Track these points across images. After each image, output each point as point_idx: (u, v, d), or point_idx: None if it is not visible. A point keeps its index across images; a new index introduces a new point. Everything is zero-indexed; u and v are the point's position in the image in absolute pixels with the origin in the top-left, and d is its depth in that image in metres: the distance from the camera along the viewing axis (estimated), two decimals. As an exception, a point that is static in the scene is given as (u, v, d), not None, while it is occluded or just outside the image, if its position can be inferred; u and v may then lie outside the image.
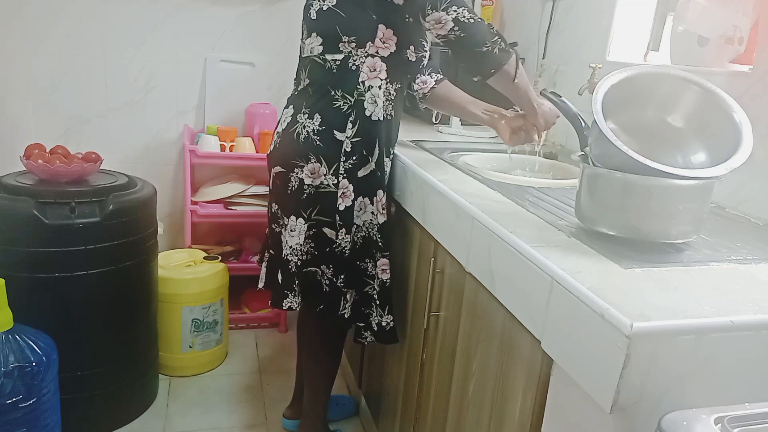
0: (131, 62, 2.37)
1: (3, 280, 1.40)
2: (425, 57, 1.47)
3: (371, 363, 1.84)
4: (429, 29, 1.33)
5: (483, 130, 1.97)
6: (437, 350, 1.29)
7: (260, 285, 1.64)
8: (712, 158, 0.92)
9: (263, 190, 2.39)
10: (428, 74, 1.64)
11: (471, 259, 1.08)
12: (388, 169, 1.50)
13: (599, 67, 1.52)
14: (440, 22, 1.29)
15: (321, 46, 1.40)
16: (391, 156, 1.52)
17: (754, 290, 0.80)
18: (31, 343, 1.46)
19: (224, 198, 2.35)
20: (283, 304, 1.51)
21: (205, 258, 2.21)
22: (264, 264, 1.64)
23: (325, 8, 1.38)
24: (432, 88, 1.63)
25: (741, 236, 1.05)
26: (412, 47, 1.42)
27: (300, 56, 1.50)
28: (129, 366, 1.85)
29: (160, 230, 1.99)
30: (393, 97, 1.45)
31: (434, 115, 2.00)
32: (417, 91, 1.63)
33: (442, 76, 1.65)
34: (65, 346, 1.58)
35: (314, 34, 1.41)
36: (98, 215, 1.67)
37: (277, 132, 1.51)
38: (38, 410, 1.46)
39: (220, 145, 2.33)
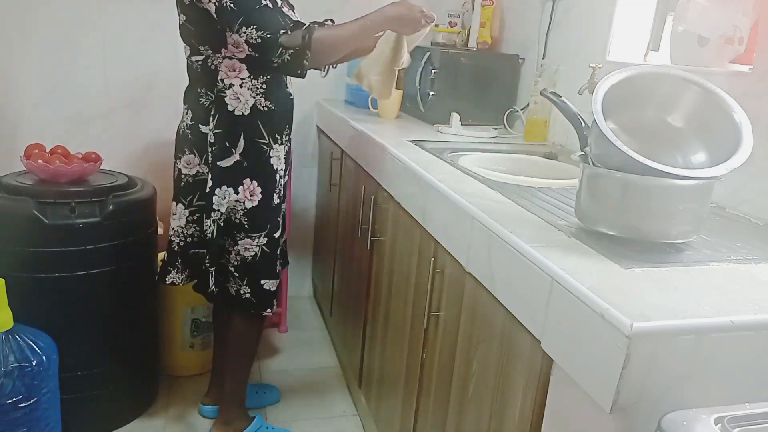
0: (131, 62, 2.37)
1: (3, 280, 1.40)
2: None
3: (371, 362, 1.84)
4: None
5: (483, 130, 1.97)
6: (437, 350, 1.29)
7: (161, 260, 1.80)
8: (712, 158, 0.92)
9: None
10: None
11: (471, 259, 1.08)
12: (277, 154, 1.60)
13: (599, 67, 1.52)
14: (238, 45, 1.44)
15: (188, 50, 1.55)
16: (283, 142, 1.62)
17: (754, 290, 0.80)
18: (31, 343, 1.46)
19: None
20: (167, 279, 1.70)
21: (205, 258, 2.21)
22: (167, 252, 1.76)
23: (180, 22, 1.53)
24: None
25: (741, 236, 1.05)
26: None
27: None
28: (129, 366, 1.84)
29: (160, 230, 1.99)
30: (264, 89, 1.53)
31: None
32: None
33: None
34: (65, 346, 1.58)
35: (183, 42, 1.56)
36: (98, 215, 1.67)
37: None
38: (38, 410, 1.46)
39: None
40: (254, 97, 1.53)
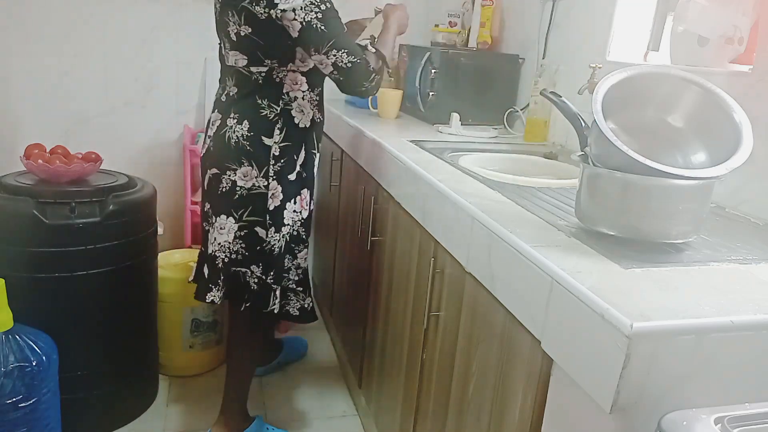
0: (131, 62, 2.37)
1: (3, 280, 1.40)
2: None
3: (371, 363, 1.84)
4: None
5: (483, 130, 1.97)
6: (437, 350, 1.29)
7: (189, 279, 1.78)
8: (712, 158, 0.92)
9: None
10: None
11: (471, 259, 1.08)
12: (316, 166, 1.67)
13: (599, 67, 1.52)
14: (322, 64, 1.47)
15: (245, 60, 1.51)
16: (319, 150, 1.68)
17: (754, 290, 0.80)
18: (31, 343, 1.46)
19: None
20: (206, 297, 1.63)
21: (205, 258, 2.21)
22: (197, 261, 1.77)
23: (242, 33, 1.47)
24: None
25: (741, 236, 1.05)
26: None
27: (223, 62, 1.60)
28: (129, 366, 1.84)
29: (160, 230, 1.99)
30: (317, 101, 1.61)
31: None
32: None
33: None
34: (65, 346, 1.58)
35: (237, 51, 1.51)
36: (98, 215, 1.67)
37: (209, 136, 1.60)
38: (38, 410, 1.46)
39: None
40: (312, 110, 1.58)
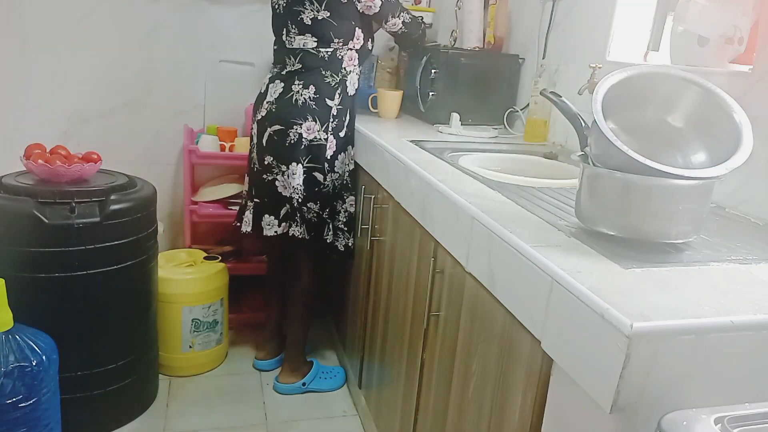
0: (131, 62, 2.37)
1: (3, 280, 1.40)
2: (373, 41, 2.01)
3: (371, 363, 1.84)
4: (384, 28, 1.98)
5: (483, 130, 1.97)
6: (437, 350, 1.29)
7: (247, 228, 2.00)
8: (712, 158, 0.92)
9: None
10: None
11: (471, 259, 1.08)
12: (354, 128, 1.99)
13: (599, 67, 1.52)
14: (396, 25, 1.97)
15: (315, 43, 1.85)
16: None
17: (754, 290, 0.80)
18: (31, 343, 1.46)
19: (224, 198, 2.35)
20: (290, 232, 1.93)
21: (205, 258, 2.21)
22: (250, 211, 2.00)
23: (320, 18, 1.82)
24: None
25: (741, 236, 1.05)
26: (370, 39, 1.96)
27: (285, 47, 1.89)
28: (129, 366, 1.84)
29: (160, 230, 1.99)
30: (359, 75, 1.97)
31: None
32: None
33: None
34: (65, 346, 1.58)
35: (308, 35, 1.85)
36: (98, 215, 1.67)
37: (269, 101, 1.89)
38: (38, 410, 1.46)
39: (220, 145, 2.33)
40: (357, 81, 1.95)
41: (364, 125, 1.93)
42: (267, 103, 1.89)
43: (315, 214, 1.93)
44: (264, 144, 1.90)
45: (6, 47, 2.19)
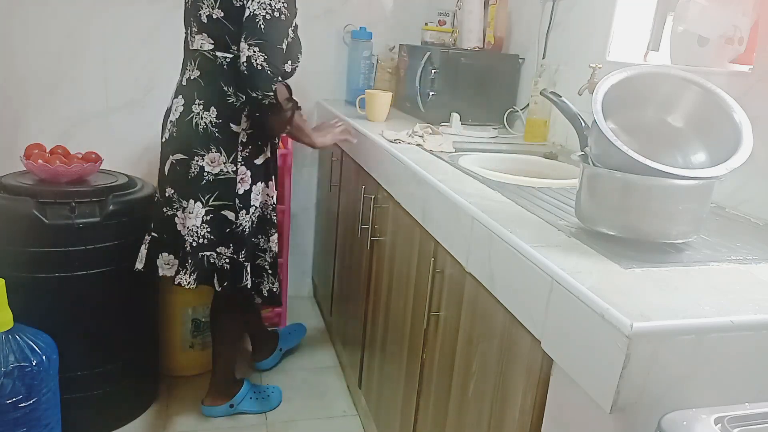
0: (131, 62, 2.37)
1: (3, 280, 1.40)
2: (297, 67, 1.70)
3: (371, 363, 1.84)
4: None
5: (483, 130, 1.97)
6: (437, 350, 1.29)
7: (139, 265, 1.72)
8: (712, 158, 0.92)
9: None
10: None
11: (471, 259, 1.08)
12: (277, 154, 1.77)
13: (599, 67, 1.52)
14: (241, 51, 1.49)
15: (211, 45, 1.58)
16: (278, 140, 1.78)
17: (754, 290, 0.80)
18: (31, 343, 1.46)
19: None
20: (175, 279, 1.66)
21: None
22: (145, 246, 1.72)
23: (214, 17, 1.55)
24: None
25: (741, 236, 1.05)
26: (289, 62, 1.64)
27: (186, 47, 1.67)
28: (129, 366, 1.84)
29: (160, 230, 1.98)
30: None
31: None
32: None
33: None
34: (65, 346, 1.58)
35: (204, 35, 1.58)
36: (98, 215, 1.68)
37: (171, 121, 1.64)
38: (38, 410, 1.46)
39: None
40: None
41: (364, 125, 1.92)
42: (170, 122, 1.65)
43: (227, 260, 1.66)
44: (166, 173, 1.65)
45: (6, 47, 2.19)
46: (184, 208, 1.62)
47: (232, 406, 1.93)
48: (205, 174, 1.59)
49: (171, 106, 1.66)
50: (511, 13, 2.18)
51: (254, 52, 1.46)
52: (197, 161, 1.59)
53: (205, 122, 1.58)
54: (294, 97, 1.67)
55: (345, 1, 2.53)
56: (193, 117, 1.59)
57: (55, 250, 1.63)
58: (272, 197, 1.74)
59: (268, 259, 1.76)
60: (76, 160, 1.79)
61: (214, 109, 1.58)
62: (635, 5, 1.66)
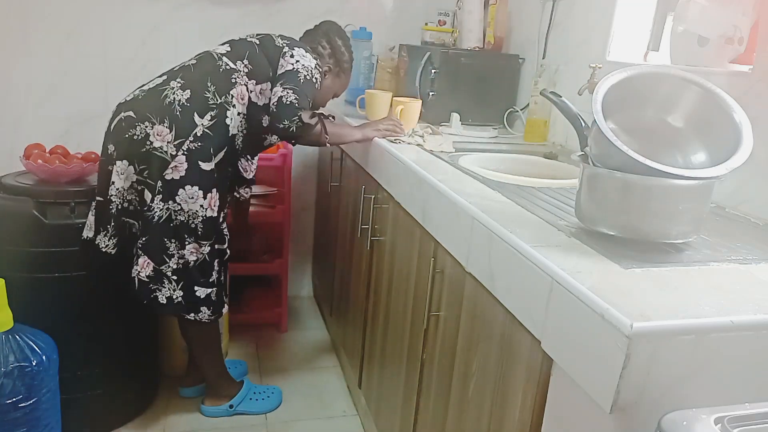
0: (131, 62, 2.37)
1: (3, 280, 1.40)
2: (271, 132, 1.69)
3: (371, 363, 1.84)
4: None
5: (483, 130, 1.97)
6: (437, 350, 1.29)
7: (89, 233, 1.65)
8: (712, 158, 0.92)
9: (263, 190, 2.39)
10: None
11: (471, 259, 1.08)
12: (227, 176, 1.72)
13: (599, 67, 1.52)
14: (275, 93, 1.63)
15: (226, 51, 1.69)
16: (235, 168, 1.80)
17: (754, 290, 0.80)
18: (31, 343, 1.46)
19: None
20: (96, 240, 1.62)
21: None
22: (92, 213, 1.66)
23: (248, 39, 1.72)
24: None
25: (741, 236, 1.05)
26: (267, 118, 1.66)
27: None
28: (129, 366, 1.84)
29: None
30: (243, 132, 1.70)
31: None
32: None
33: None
34: (65, 346, 1.58)
35: (227, 45, 1.72)
36: (98, 215, 1.67)
37: (141, 88, 1.67)
38: (38, 410, 1.46)
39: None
40: (236, 130, 1.68)
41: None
42: (138, 89, 1.67)
43: (129, 229, 1.64)
44: (111, 129, 1.62)
45: (6, 47, 2.19)
46: (116, 165, 1.58)
47: (231, 406, 1.93)
48: (147, 143, 1.56)
49: (148, 82, 1.69)
50: (511, 13, 2.18)
51: (286, 92, 1.58)
52: (145, 126, 1.56)
53: (174, 97, 1.59)
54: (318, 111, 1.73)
55: (345, 1, 2.54)
56: (166, 89, 1.61)
57: (55, 250, 1.63)
58: (204, 209, 1.62)
59: (172, 265, 1.63)
60: (76, 160, 1.79)
61: (189, 92, 1.60)
62: (635, 5, 1.66)
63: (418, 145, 1.66)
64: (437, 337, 1.29)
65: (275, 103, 1.58)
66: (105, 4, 2.29)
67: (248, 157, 1.93)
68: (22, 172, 1.79)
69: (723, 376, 0.71)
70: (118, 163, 1.58)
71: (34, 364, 1.44)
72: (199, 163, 1.59)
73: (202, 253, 1.66)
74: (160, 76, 1.68)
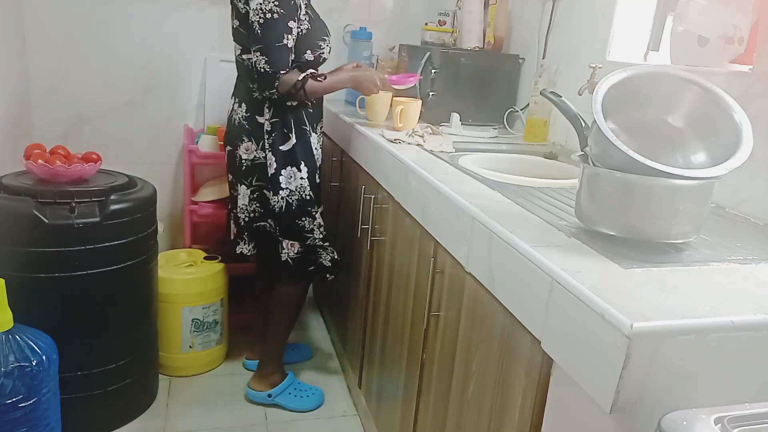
0: (131, 62, 2.37)
1: (3, 280, 1.40)
2: (323, 53, 1.79)
3: (371, 363, 1.84)
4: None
5: (483, 130, 1.97)
6: (437, 350, 1.29)
7: (232, 236, 1.99)
8: (712, 158, 0.92)
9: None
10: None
11: (471, 259, 1.08)
12: (316, 143, 1.86)
13: (599, 67, 1.52)
14: (251, 60, 1.68)
15: (240, 50, 1.76)
16: (318, 132, 1.87)
17: (754, 290, 0.80)
18: (31, 343, 1.46)
19: (224, 198, 2.35)
20: (237, 249, 1.95)
21: (205, 258, 2.21)
22: (232, 221, 1.98)
23: (234, 26, 1.74)
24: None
25: (741, 236, 1.05)
26: (308, 51, 1.74)
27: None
28: (129, 366, 1.84)
29: (160, 230, 1.99)
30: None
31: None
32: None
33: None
34: (65, 346, 1.58)
35: (235, 43, 1.77)
36: (98, 215, 1.67)
37: (227, 119, 1.89)
38: (38, 410, 1.46)
39: (220, 145, 2.33)
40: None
41: (364, 125, 1.92)
42: (227, 120, 1.90)
43: (267, 231, 1.89)
44: (227, 161, 1.91)
45: (6, 47, 2.19)
46: (237, 190, 1.86)
47: (270, 395, 2.00)
48: (244, 161, 1.81)
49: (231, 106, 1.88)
50: (511, 13, 2.18)
51: (257, 57, 1.64)
52: (238, 151, 1.81)
53: (238, 117, 1.80)
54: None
55: (345, 1, 2.54)
56: (232, 114, 1.83)
57: (55, 250, 1.63)
58: (306, 179, 1.81)
59: (317, 236, 1.88)
60: (76, 160, 1.78)
61: (244, 105, 1.78)
62: (635, 5, 1.66)
63: (418, 145, 1.66)
64: (437, 337, 1.29)
65: (255, 69, 1.66)
66: (105, 4, 2.29)
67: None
68: (23, 172, 1.79)
69: (723, 376, 0.71)
70: (237, 187, 1.87)
71: (34, 364, 1.43)
72: (280, 148, 1.77)
73: (322, 213, 1.91)
74: (231, 97, 1.86)
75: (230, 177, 1.90)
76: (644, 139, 0.97)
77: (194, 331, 2.10)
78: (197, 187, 2.44)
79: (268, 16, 1.61)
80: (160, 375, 2.07)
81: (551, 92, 1.17)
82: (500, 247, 0.95)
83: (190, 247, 2.31)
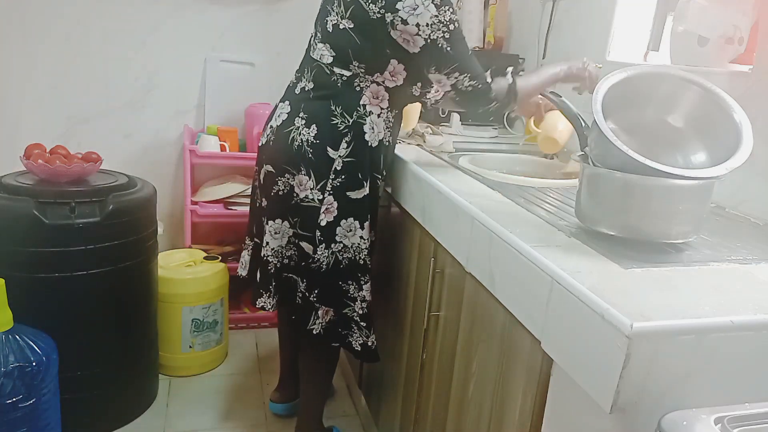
0: (131, 62, 2.37)
1: (3, 280, 1.40)
2: (430, 92, 1.45)
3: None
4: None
5: (483, 130, 1.98)
6: (437, 350, 1.29)
7: (243, 272, 1.68)
8: (712, 158, 0.92)
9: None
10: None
11: (471, 259, 1.08)
12: (380, 192, 1.52)
13: (599, 67, 1.52)
14: (440, 83, 1.37)
15: (331, 58, 1.40)
16: (383, 178, 1.52)
17: (754, 290, 0.80)
18: (31, 343, 1.46)
19: (224, 198, 2.35)
20: (257, 302, 1.56)
21: (205, 258, 2.21)
22: (248, 251, 1.67)
23: (341, 26, 1.37)
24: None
25: (741, 236, 1.05)
26: (419, 84, 1.43)
27: (308, 53, 1.49)
28: (129, 366, 1.84)
29: (160, 230, 1.99)
30: (391, 124, 1.47)
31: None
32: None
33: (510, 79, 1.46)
34: (65, 346, 1.58)
35: (327, 45, 1.41)
36: (98, 215, 1.67)
37: (271, 126, 1.50)
38: (38, 410, 1.46)
39: (220, 145, 2.33)
40: (383, 131, 1.45)
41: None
42: (270, 127, 1.51)
43: (301, 294, 1.50)
44: (261, 182, 1.53)
45: (6, 47, 2.19)
46: (273, 227, 1.49)
47: None
48: (294, 195, 1.44)
49: (276, 108, 1.52)
50: (511, 13, 2.18)
51: (456, 78, 1.35)
52: (287, 179, 1.44)
53: (301, 139, 1.41)
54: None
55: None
56: (291, 131, 1.43)
57: (55, 250, 1.63)
58: (366, 240, 1.47)
59: (358, 309, 1.50)
60: (76, 160, 1.78)
61: (315, 128, 1.40)
62: (635, 5, 1.66)
63: (418, 145, 1.66)
64: (437, 337, 1.29)
65: (458, 100, 1.39)
66: (105, 4, 2.29)
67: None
68: (23, 172, 1.79)
69: (723, 376, 0.71)
70: (271, 222, 1.49)
71: (34, 364, 1.44)
72: (348, 194, 1.43)
73: (370, 286, 1.52)
74: (283, 102, 1.50)
75: (263, 201, 1.52)
76: (644, 139, 0.97)
77: (194, 331, 2.10)
78: (197, 187, 2.44)
79: (452, 27, 1.31)
80: (160, 375, 2.07)
81: (551, 92, 1.18)
82: (500, 247, 0.95)
83: (190, 247, 2.31)
